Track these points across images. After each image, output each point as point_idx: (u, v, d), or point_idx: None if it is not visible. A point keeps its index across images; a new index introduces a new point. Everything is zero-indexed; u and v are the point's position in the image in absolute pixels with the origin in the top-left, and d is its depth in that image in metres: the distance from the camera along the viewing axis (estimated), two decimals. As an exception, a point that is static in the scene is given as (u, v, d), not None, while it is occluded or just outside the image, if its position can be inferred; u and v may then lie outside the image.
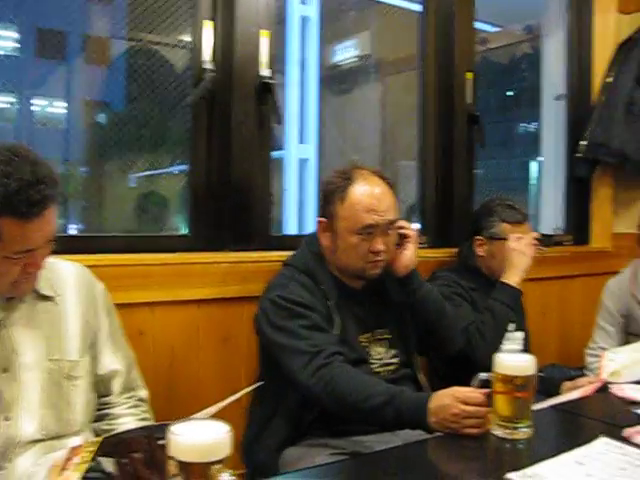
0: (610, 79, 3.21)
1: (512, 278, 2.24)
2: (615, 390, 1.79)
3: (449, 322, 1.94)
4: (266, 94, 2.21)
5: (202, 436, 0.90)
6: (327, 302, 1.77)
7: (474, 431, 1.40)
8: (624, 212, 3.33)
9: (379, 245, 1.77)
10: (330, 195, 1.82)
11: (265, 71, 2.21)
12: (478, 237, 2.35)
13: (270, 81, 2.21)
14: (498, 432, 1.40)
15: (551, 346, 3.04)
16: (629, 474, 1.20)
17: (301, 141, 3.71)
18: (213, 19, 2.18)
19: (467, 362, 2.05)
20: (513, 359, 1.43)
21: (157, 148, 2.83)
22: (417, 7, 2.86)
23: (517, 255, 2.25)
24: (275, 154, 3.65)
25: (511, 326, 2.27)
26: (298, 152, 3.72)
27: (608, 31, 3.32)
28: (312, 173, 3.77)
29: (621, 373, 1.91)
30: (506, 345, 1.47)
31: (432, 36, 2.79)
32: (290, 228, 3.52)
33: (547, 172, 3.56)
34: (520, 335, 2.28)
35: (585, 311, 2.85)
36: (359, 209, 1.75)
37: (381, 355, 1.84)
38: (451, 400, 1.43)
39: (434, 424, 1.45)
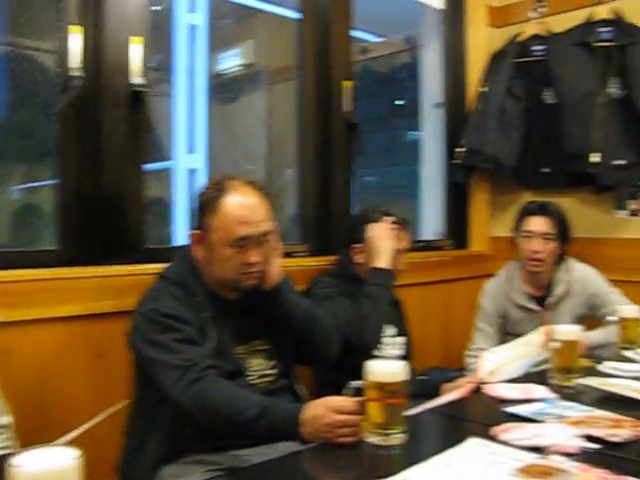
0: (484, 89, 3.34)
1: (379, 262, 2.28)
2: (488, 390, 1.83)
3: (320, 330, 1.93)
4: (138, 103, 2.15)
5: (41, 465, 0.84)
6: (201, 314, 1.73)
7: (348, 440, 1.39)
8: (500, 216, 3.46)
9: (253, 257, 1.74)
10: (203, 207, 1.78)
11: (137, 79, 2.14)
12: (355, 245, 2.37)
13: (142, 89, 2.14)
14: (372, 439, 1.39)
15: (434, 349, 3.10)
16: (494, 471, 1.23)
17: (190, 151, 3.65)
18: (82, 24, 2.10)
19: (353, 368, 2.06)
20: (384, 366, 1.43)
21: (39, 158, 2.71)
22: (296, 15, 2.87)
23: (377, 240, 2.31)
24: (163, 164, 3.58)
25: (392, 331, 2.32)
26: (187, 162, 3.66)
27: (480, 43, 3.46)
28: (202, 183, 3.71)
29: (498, 372, 1.96)
30: (387, 350, 1.47)
31: (310, 44, 2.80)
32: (180, 239, 3.44)
33: (428, 179, 3.63)
34: (401, 340, 2.32)
35: (466, 313, 2.93)
36: (232, 220, 1.72)
37: (259, 367, 1.81)
38: (324, 410, 1.42)
39: (308, 435, 1.44)
